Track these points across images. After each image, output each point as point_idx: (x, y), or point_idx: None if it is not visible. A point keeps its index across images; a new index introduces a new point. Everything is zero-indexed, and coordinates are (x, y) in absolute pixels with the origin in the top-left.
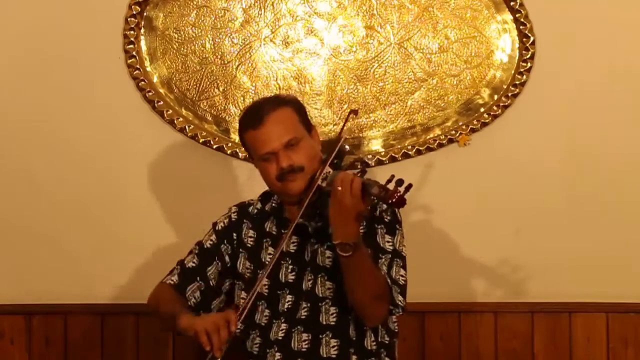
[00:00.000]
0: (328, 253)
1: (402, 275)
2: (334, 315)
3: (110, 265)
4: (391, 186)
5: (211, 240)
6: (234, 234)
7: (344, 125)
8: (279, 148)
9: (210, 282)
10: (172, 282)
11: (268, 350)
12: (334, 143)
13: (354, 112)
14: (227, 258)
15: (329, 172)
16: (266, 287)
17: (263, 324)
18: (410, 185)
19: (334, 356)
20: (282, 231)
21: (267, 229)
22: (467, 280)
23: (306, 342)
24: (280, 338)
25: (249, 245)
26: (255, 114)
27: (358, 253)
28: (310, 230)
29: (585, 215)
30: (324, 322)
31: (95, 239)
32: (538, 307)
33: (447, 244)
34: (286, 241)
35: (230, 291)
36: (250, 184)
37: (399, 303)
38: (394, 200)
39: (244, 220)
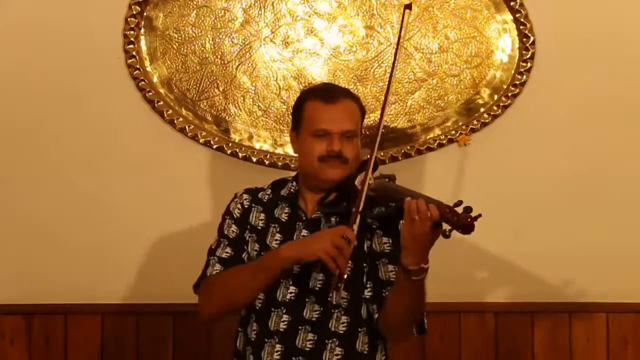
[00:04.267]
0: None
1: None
2: (344, 324)
3: (110, 265)
4: (459, 210)
5: (233, 230)
6: (248, 220)
7: (401, 26)
8: (338, 132)
9: None
10: (217, 271)
11: (267, 340)
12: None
13: (408, 6)
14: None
15: (370, 179)
16: None
17: (257, 307)
18: (479, 215)
19: None
20: (297, 222)
21: (277, 215)
22: (467, 280)
23: (311, 342)
24: (281, 330)
25: (259, 228)
26: (332, 91)
27: (424, 276)
28: (323, 228)
29: (585, 215)
30: (332, 329)
31: (95, 238)
32: (538, 307)
33: (447, 244)
34: (296, 233)
35: None
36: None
37: (426, 327)
38: (466, 222)
39: (254, 205)
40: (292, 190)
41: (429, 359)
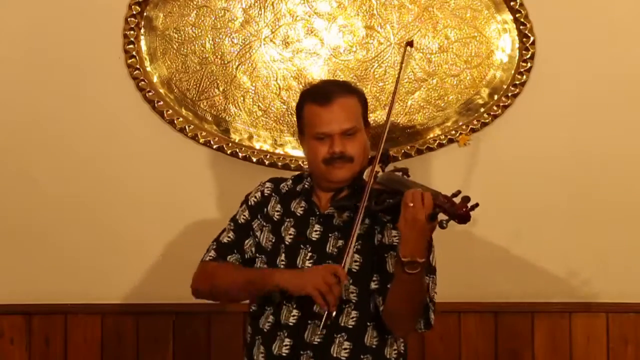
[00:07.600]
0: (356, 257)
1: (435, 293)
2: (354, 319)
3: (110, 265)
4: (457, 200)
5: (244, 216)
6: (265, 209)
7: (402, 62)
8: (337, 132)
9: (247, 255)
10: (211, 257)
11: (278, 333)
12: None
13: (409, 43)
14: (258, 233)
15: (378, 172)
16: (283, 268)
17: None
18: (477, 205)
19: (343, 358)
20: (311, 217)
21: (292, 209)
22: (467, 280)
23: (319, 336)
24: (291, 324)
25: (275, 219)
26: (325, 92)
27: (421, 270)
28: (335, 223)
29: (585, 216)
30: (342, 324)
31: (95, 239)
32: (538, 307)
33: (447, 244)
34: (309, 228)
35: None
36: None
37: (432, 323)
38: (461, 212)
39: (274, 195)
40: (306, 186)
41: (429, 359)
